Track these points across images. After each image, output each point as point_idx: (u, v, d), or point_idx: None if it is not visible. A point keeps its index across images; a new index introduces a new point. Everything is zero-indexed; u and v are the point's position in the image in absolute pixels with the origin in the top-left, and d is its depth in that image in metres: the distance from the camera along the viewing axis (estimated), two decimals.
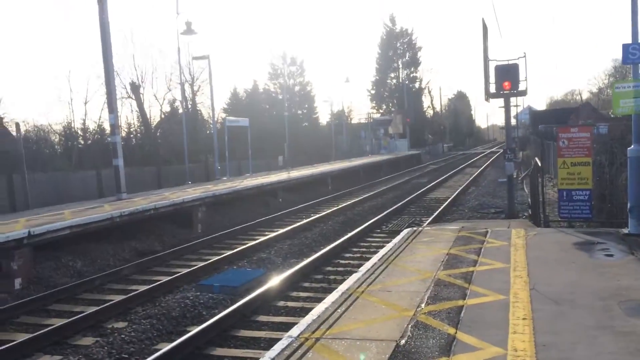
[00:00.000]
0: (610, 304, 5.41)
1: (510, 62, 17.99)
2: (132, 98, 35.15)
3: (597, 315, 5.13)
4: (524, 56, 20.37)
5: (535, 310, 5.31)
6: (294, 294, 8.83)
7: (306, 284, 9.39)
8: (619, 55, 9.12)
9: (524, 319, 5.07)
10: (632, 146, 8.99)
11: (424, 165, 47.10)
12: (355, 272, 7.40)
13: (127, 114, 39.13)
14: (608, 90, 53.95)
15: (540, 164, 12.14)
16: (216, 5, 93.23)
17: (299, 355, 4.50)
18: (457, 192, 22.67)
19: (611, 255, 7.56)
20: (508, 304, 5.53)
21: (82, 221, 11.50)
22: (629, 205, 9.03)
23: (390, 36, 78.13)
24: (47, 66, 65.27)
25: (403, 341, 4.67)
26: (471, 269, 7.06)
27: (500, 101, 19.87)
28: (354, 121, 66.22)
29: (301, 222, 15.84)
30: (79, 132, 31.00)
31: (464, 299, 5.78)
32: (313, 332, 5.00)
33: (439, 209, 17.50)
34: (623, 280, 6.22)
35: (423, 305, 5.62)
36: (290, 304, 8.31)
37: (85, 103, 31.57)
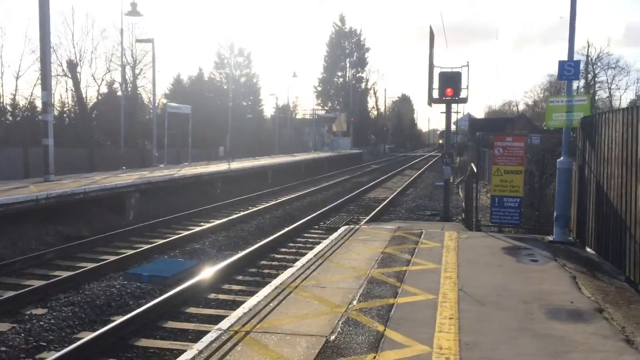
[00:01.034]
0: (532, 307, 5.62)
1: (454, 70, 18.54)
2: (68, 76, 33.55)
3: (520, 318, 5.31)
4: (467, 65, 20.99)
5: (462, 310, 5.44)
6: (227, 286, 8.68)
7: (239, 277, 9.24)
8: (554, 70, 9.53)
9: (450, 318, 5.18)
10: (562, 158, 9.42)
11: (365, 164, 47.70)
12: (291, 267, 7.35)
13: (62, 93, 37.29)
14: (542, 104, 56.66)
15: (475, 170, 12.52)
16: None
17: (228, 348, 4.39)
18: (395, 193, 23.08)
19: (536, 261, 7.88)
20: (437, 303, 5.64)
21: (3, 201, 10.85)
22: (555, 214, 9.45)
23: (339, 35, 78.64)
24: None
25: (333, 337, 4.66)
26: (404, 268, 7.16)
27: (442, 107, 20.35)
28: (299, 116, 66.20)
29: (238, 215, 15.63)
30: (8, 107, 29.27)
31: (395, 297, 5.84)
32: (243, 325, 4.91)
33: (377, 209, 17.74)
34: (545, 285, 6.49)
35: (355, 302, 5.64)
36: (222, 296, 8.15)
37: (17, 78, 29.84)
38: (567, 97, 9.27)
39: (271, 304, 5.52)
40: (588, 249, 8.82)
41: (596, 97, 57.11)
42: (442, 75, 17.81)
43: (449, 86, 17.42)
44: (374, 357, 4.25)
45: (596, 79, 61.66)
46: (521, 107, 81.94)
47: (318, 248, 8.50)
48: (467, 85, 20.19)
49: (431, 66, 20.29)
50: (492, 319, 5.24)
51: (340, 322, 5.04)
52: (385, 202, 19.60)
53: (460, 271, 7.04)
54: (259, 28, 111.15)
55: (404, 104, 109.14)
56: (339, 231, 10.08)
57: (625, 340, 4.76)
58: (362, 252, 8.15)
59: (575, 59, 9.39)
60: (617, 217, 7.11)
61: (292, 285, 6.24)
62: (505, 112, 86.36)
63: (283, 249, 11.52)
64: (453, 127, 56.60)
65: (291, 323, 4.99)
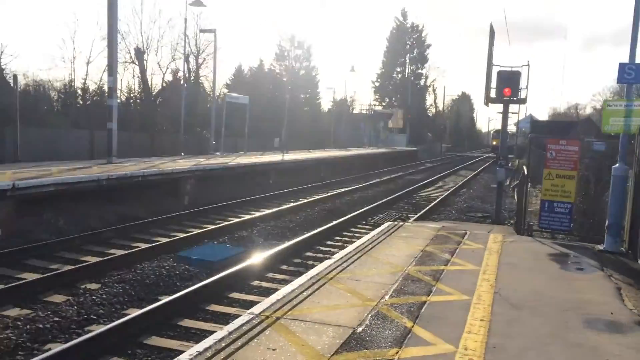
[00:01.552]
0: (569, 315, 5.52)
1: (514, 69, 18.08)
2: (135, 64, 34.93)
3: (554, 325, 5.24)
4: (528, 65, 20.40)
5: (494, 313, 5.41)
6: (270, 274, 8.92)
7: (284, 267, 9.47)
8: None
9: (481, 320, 5.18)
10: (617, 164, 9.08)
11: (420, 162, 47.17)
12: (329, 258, 7.49)
13: (129, 79, 38.89)
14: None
15: (527, 173, 12.22)
16: None
17: (257, 331, 4.59)
18: (447, 193, 22.78)
19: (582, 269, 7.67)
20: (470, 304, 5.63)
21: (68, 180, 11.55)
22: (607, 222, 9.14)
23: (400, 31, 77.73)
24: (54, 23, 64.69)
25: (360, 329, 4.77)
26: (442, 267, 7.16)
27: (500, 107, 19.90)
28: (356, 111, 66.08)
29: (288, 205, 15.93)
30: (79, 91, 30.82)
31: (429, 295, 5.88)
32: (275, 312, 5.10)
33: (427, 208, 17.61)
34: (587, 294, 6.34)
35: (387, 297, 5.72)
36: (265, 284, 8.40)
37: (88, 63, 31.30)
38: (626, 101, 8.91)
39: (304, 293, 5.68)
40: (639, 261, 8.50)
41: None
42: (501, 75, 17.42)
43: (507, 86, 17.03)
44: (397, 352, 4.32)
45: None
46: (588, 110, 78.45)
47: (358, 242, 8.60)
48: (527, 86, 19.67)
49: (490, 65, 19.85)
50: (524, 324, 5.20)
51: (370, 315, 5.14)
52: (436, 202, 19.40)
53: (500, 274, 6.96)
54: (320, 20, 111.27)
55: (463, 102, 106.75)
56: (382, 227, 10.13)
57: None
58: (402, 249, 8.19)
59: (637, 62, 9.00)
60: None
61: (327, 276, 6.38)
62: (570, 115, 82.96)
63: (329, 242, 11.67)
64: (514, 129, 54.98)
65: (321, 312, 5.13)
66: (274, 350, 4.24)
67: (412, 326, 4.91)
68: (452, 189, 24.56)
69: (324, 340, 4.47)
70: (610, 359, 4.45)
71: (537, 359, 4.41)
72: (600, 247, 9.19)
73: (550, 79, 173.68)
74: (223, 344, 4.30)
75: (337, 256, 7.52)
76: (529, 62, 18.78)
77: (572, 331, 5.10)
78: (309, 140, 42.37)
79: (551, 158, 9.86)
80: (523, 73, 18.77)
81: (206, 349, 4.18)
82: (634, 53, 9.04)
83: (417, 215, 15.81)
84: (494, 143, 56.90)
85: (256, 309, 5.13)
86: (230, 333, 4.51)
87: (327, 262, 7.09)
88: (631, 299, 6.25)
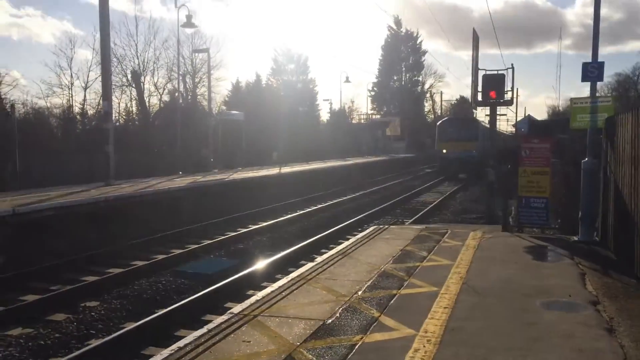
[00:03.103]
0: (530, 300, 5.92)
1: (499, 72, 18.56)
2: (132, 86, 35.70)
3: (514, 308, 5.64)
4: (512, 67, 20.91)
5: (459, 301, 5.82)
6: (265, 283, 9.26)
7: (278, 275, 9.82)
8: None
9: (445, 307, 5.59)
10: (586, 159, 9.49)
11: (418, 168, 47.57)
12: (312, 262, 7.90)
13: (127, 102, 39.66)
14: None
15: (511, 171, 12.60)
16: None
17: (234, 328, 5.02)
18: (444, 197, 23.18)
19: (552, 259, 8.07)
20: (437, 294, 6.05)
21: (66, 203, 12.03)
22: (580, 214, 9.53)
23: (395, 39, 78.38)
24: (51, 49, 65.66)
25: (330, 320, 5.19)
26: (417, 263, 7.57)
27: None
28: (354, 121, 66.65)
29: (285, 217, 16.35)
30: (78, 117, 31.56)
31: (399, 289, 6.29)
32: (253, 310, 5.52)
33: (423, 212, 18.00)
34: (552, 280, 6.73)
35: (360, 293, 6.14)
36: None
37: (85, 89, 32.13)
38: (590, 99, 9.35)
39: (283, 293, 6.11)
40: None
41: None
42: (486, 78, 17.91)
43: (493, 89, 17.50)
44: (361, 338, 4.74)
45: None
46: None
47: (342, 245, 9.02)
48: (512, 87, 20.17)
49: (475, 69, 20.37)
50: (486, 309, 5.60)
51: (341, 308, 5.56)
52: (431, 206, 19.81)
53: (472, 267, 7.37)
54: (315, 31, 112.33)
55: (461, 106, 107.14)
56: (367, 230, 10.55)
57: (607, 329, 5.01)
58: (383, 249, 8.60)
59: (599, 60, 9.45)
60: (629, 216, 7.23)
61: (307, 277, 6.81)
62: (569, 113, 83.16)
63: (324, 250, 12.01)
64: (513, 130, 55.16)
65: (296, 309, 5.56)
66: (248, 342, 4.67)
67: (379, 316, 5.33)
68: (448, 193, 24.97)
69: (295, 332, 4.89)
70: (560, 334, 4.85)
71: (491, 336, 4.82)
72: (575, 238, 9.58)
73: (549, 78, 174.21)
74: (202, 340, 4.73)
75: (319, 259, 7.96)
76: (512, 65, 19.19)
77: (529, 312, 5.50)
78: (309, 151, 42.88)
79: (525, 156, 10.27)
80: (507, 75, 19.29)
81: (186, 345, 4.61)
82: (596, 52, 9.50)
83: (412, 219, 16.18)
84: (444, 152, 35.73)
85: (236, 309, 5.56)
86: (209, 330, 4.94)
87: (308, 265, 7.53)
88: (593, 282, 6.65)
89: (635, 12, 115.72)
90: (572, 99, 9.85)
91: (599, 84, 10.09)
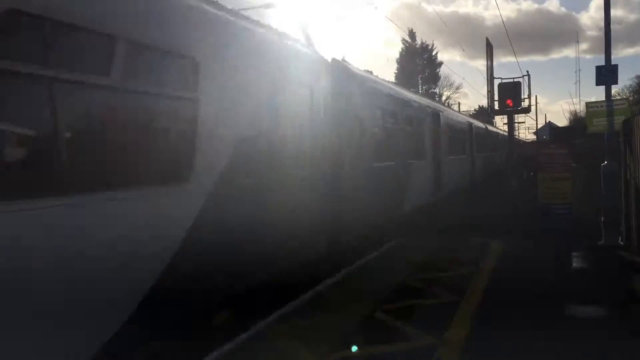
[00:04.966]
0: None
1: (515, 80, 18.57)
2: None
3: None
4: (527, 74, 20.87)
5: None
6: None
7: None
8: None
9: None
10: (606, 162, 9.43)
11: None
12: None
13: None
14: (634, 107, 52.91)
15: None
16: None
17: None
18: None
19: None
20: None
21: None
22: (602, 218, 9.43)
23: (410, 52, 78.40)
24: None
25: None
26: None
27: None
28: None
29: None
30: None
31: None
32: None
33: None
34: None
35: None
36: None
37: None
38: (606, 102, 9.32)
39: None
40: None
41: None
42: (502, 86, 17.91)
43: (509, 97, 17.49)
44: None
45: None
46: None
47: None
48: (529, 94, 20.14)
49: (491, 78, 20.38)
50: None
51: None
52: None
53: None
54: (328, 48, 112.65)
55: (480, 117, 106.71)
56: None
57: None
58: None
59: (615, 64, 9.45)
60: None
61: None
62: None
63: None
64: (534, 137, 54.45)
65: None
66: None
67: None
68: None
69: None
70: None
71: None
72: (601, 242, 9.48)
73: (567, 83, 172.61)
74: None
75: None
76: (528, 72, 19.24)
77: None
78: None
79: (544, 163, 10.25)
80: (523, 83, 19.27)
81: None
82: (609, 55, 9.50)
83: None
84: None
85: None
86: None
87: None
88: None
89: None
90: (587, 103, 9.84)
91: (620, 86, 10.10)
